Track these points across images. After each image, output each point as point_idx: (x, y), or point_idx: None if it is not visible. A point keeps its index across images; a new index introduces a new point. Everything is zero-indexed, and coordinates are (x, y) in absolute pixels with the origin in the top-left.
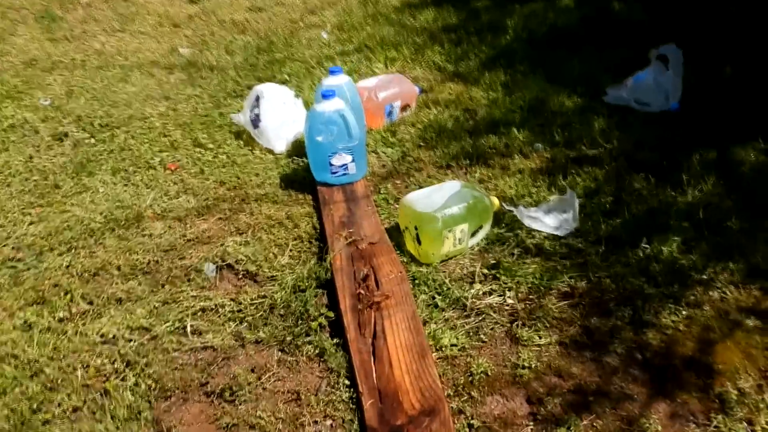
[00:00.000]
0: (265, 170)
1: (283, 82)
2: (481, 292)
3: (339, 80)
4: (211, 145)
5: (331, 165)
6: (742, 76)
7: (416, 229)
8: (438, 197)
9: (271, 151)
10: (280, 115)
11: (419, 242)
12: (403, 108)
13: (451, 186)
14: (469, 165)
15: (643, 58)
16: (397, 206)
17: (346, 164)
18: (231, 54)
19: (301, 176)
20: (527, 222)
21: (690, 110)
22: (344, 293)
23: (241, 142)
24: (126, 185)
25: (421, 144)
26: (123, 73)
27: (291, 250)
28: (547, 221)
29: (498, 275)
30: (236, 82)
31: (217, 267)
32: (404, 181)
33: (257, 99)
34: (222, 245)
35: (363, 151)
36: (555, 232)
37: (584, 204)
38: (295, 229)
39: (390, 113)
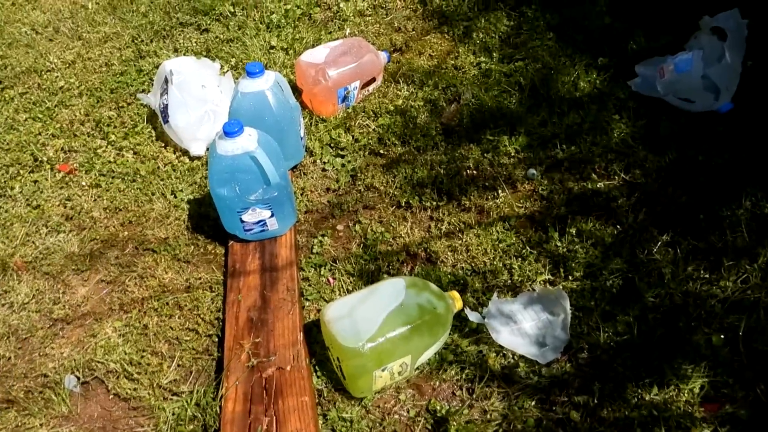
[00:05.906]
0: (175, 190)
1: (224, 17)
2: None
3: (260, 84)
4: (115, 135)
5: (242, 222)
6: None
7: (339, 360)
8: (370, 317)
9: (187, 152)
10: (195, 109)
11: (344, 376)
12: (367, 84)
13: (391, 292)
14: (435, 206)
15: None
16: (331, 279)
17: (263, 220)
18: None
19: None
20: (497, 335)
21: (745, 112)
22: None
23: (153, 132)
24: None
25: (380, 153)
26: None
27: (181, 357)
28: (525, 325)
29: None
30: (167, 15)
31: (80, 381)
32: (348, 227)
33: (166, 81)
34: (94, 336)
35: (288, 197)
36: (534, 358)
37: (581, 289)
38: (194, 314)
39: (345, 98)
